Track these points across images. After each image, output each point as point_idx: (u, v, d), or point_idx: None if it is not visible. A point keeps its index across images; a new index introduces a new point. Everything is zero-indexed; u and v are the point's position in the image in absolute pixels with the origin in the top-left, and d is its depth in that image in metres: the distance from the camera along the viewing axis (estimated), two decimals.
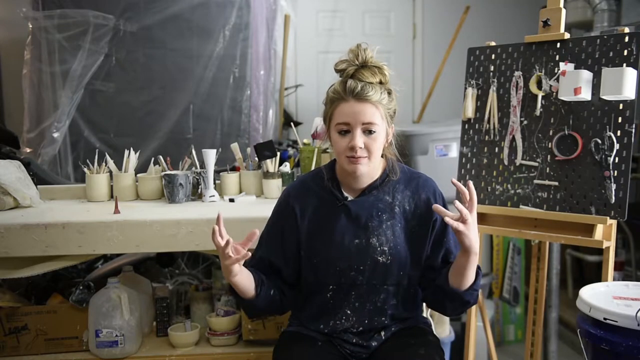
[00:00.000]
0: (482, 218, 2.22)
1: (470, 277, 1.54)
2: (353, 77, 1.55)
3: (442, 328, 2.78)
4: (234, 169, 2.63)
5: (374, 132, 1.54)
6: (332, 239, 1.62)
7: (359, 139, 1.53)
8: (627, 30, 1.90)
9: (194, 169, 2.36)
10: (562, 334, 3.42)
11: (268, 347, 1.95)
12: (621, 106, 1.89)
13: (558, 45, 2.04)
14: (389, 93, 1.59)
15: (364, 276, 1.61)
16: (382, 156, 1.66)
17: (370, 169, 1.60)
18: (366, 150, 1.55)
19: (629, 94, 1.84)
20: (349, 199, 1.65)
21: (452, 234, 1.65)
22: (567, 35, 2.03)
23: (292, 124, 3.08)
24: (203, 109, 3.51)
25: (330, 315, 1.66)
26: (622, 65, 1.88)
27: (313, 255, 1.64)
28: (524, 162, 2.10)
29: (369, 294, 1.64)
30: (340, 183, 1.67)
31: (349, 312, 1.65)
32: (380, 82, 1.57)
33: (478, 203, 2.17)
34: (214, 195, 2.31)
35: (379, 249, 1.60)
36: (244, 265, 1.58)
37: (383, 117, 1.56)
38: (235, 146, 2.47)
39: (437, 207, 1.47)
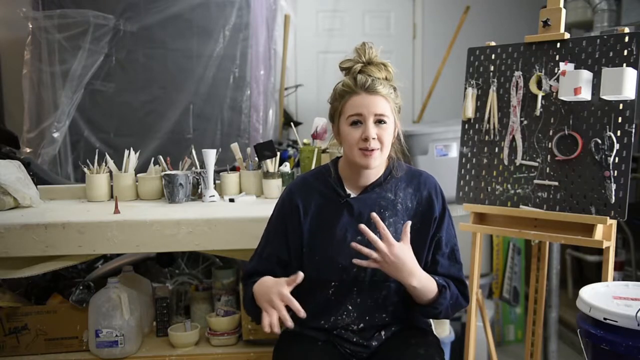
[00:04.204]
0: (482, 218, 2.22)
1: (423, 298, 1.58)
2: (361, 73, 1.58)
3: (442, 328, 2.78)
4: (234, 169, 2.63)
5: (385, 122, 1.57)
6: (335, 236, 1.63)
7: (372, 130, 1.55)
8: (627, 30, 1.90)
9: (194, 169, 2.36)
10: (562, 334, 3.42)
11: (268, 347, 1.95)
12: (621, 106, 1.90)
13: (558, 45, 2.04)
14: (394, 89, 1.62)
15: (366, 273, 1.61)
16: None
17: (381, 162, 1.61)
18: (378, 141, 1.56)
19: (629, 94, 1.85)
20: (352, 196, 1.66)
21: (445, 230, 1.66)
22: (567, 35, 2.03)
23: (292, 124, 3.08)
24: (203, 109, 3.51)
25: (332, 311, 1.66)
26: (622, 65, 1.88)
27: (315, 252, 1.64)
28: (524, 162, 2.10)
29: (370, 291, 1.64)
30: (342, 180, 1.68)
31: (350, 307, 1.65)
32: (386, 79, 1.60)
33: (478, 203, 2.19)
34: (214, 195, 2.31)
35: None
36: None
37: (392, 110, 1.59)
38: (235, 146, 2.47)
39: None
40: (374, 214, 1.52)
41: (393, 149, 1.67)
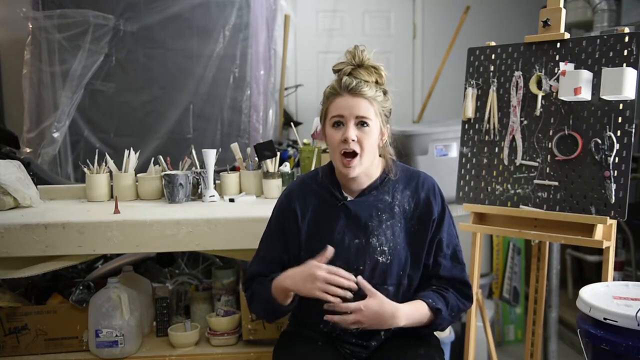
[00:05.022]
0: (482, 218, 2.22)
1: (417, 325, 1.59)
2: (349, 75, 1.57)
3: None
4: (234, 169, 2.63)
5: (367, 125, 1.56)
6: (332, 239, 1.62)
7: (352, 131, 1.55)
8: (627, 30, 1.90)
9: (194, 169, 2.36)
10: (562, 334, 3.42)
11: (268, 347, 1.95)
12: (621, 106, 1.89)
13: (558, 45, 2.04)
14: (385, 93, 1.61)
15: (364, 276, 1.60)
16: (380, 156, 1.66)
17: (363, 169, 1.60)
18: (358, 144, 1.56)
19: (629, 94, 1.84)
20: (349, 199, 1.66)
21: (446, 231, 1.66)
22: (567, 35, 2.03)
23: (292, 124, 3.08)
24: (203, 109, 3.51)
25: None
26: (622, 65, 1.88)
27: (313, 256, 1.63)
28: (524, 162, 2.10)
29: None
30: (340, 183, 1.67)
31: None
32: (377, 82, 1.59)
33: (478, 203, 2.19)
34: (214, 195, 2.31)
35: (378, 249, 1.60)
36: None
37: (377, 113, 1.58)
38: (235, 146, 2.47)
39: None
40: (338, 307, 1.51)
41: (387, 150, 1.67)
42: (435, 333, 1.78)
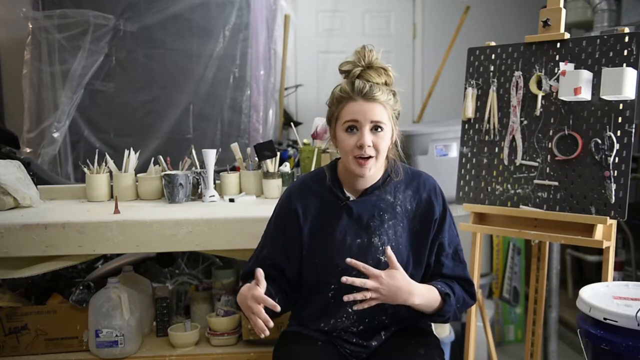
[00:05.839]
0: (482, 218, 2.22)
1: (428, 310, 1.57)
2: (360, 77, 1.56)
3: (442, 328, 2.78)
4: (234, 169, 2.64)
5: (382, 129, 1.55)
6: (334, 239, 1.62)
7: (368, 137, 1.54)
8: (627, 30, 1.90)
9: (194, 169, 2.36)
10: (562, 334, 3.42)
11: (268, 347, 1.95)
12: (621, 106, 1.90)
13: (558, 45, 2.04)
14: (394, 94, 1.60)
15: (366, 276, 1.61)
16: None
17: (376, 170, 1.61)
18: (374, 149, 1.55)
19: (629, 94, 1.85)
20: (351, 198, 1.65)
21: (447, 231, 1.66)
22: (567, 35, 2.03)
23: (292, 124, 3.08)
24: (203, 109, 3.51)
25: (332, 314, 1.66)
26: (622, 65, 1.88)
27: (315, 255, 1.64)
28: (524, 162, 2.10)
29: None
30: (342, 183, 1.67)
31: (350, 310, 1.65)
32: (386, 83, 1.58)
33: (478, 203, 2.19)
34: (214, 195, 2.31)
35: (380, 248, 1.61)
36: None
37: (390, 117, 1.57)
38: (235, 146, 2.47)
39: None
40: (356, 263, 1.48)
41: (391, 153, 1.67)
42: (435, 333, 1.79)
